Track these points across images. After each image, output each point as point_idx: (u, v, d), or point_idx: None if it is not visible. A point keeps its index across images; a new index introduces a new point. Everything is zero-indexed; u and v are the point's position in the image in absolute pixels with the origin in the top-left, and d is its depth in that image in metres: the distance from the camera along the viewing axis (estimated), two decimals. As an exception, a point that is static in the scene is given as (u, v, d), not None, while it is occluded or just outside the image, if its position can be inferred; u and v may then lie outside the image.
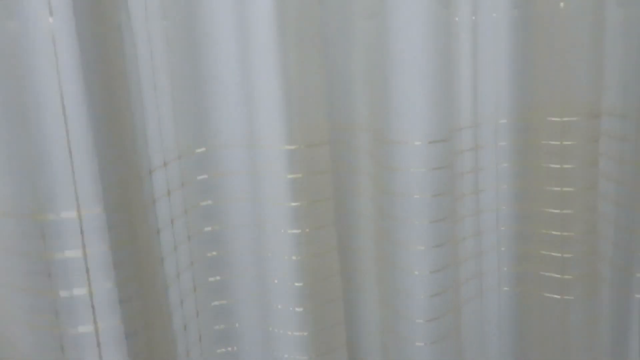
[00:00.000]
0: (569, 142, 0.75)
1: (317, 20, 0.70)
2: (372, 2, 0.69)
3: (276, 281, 0.72)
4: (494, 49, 0.77)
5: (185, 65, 0.67)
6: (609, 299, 0.78)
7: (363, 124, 0.74)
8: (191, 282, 0.71)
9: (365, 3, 0.71)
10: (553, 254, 0.77)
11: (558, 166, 0.76)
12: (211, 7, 0.68)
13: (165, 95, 0.65)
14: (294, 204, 0.70)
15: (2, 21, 0.48)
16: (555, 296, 0.78)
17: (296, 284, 0.72)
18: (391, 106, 0.70)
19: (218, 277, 0.73)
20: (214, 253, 0.72)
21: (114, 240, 0.53)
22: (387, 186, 0.72)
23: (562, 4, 0.72)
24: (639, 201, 0.78)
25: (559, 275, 0.77)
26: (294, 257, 0.71)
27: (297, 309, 0.73)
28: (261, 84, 0.68)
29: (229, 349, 0.76)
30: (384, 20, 0.69)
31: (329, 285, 0.74)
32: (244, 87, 0.69)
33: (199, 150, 0.70)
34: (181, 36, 0.67)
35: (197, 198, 0.71)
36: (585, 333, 0.78)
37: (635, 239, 0.78)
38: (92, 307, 0.53)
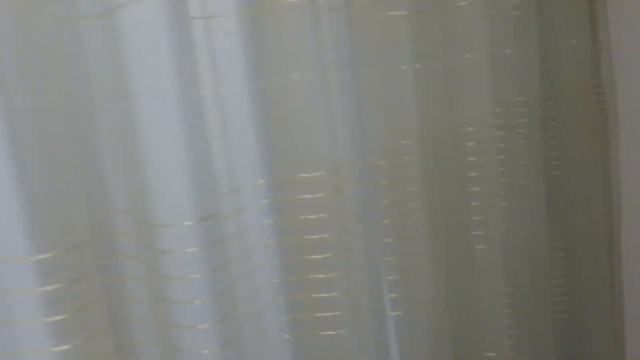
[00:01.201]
0: (320, 194, 0.84)
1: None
2: (115, 84, 0.67)
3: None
4: (240, 119, 0.81)
5: None
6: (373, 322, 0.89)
7: (128, 210, 0.71)
8: None
9: (108, 84, 0.69)
10: (322, 295, 0.85)
11: (314, 216, 0.84)
12: None
13: None
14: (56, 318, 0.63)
15: None
16: (330, 332, 0.86)
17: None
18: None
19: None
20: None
21: None
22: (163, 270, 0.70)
23: (296, 74, 0.80)
24: (371, 232, 0.92)
25: (330, 313, 0.86)
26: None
27: None
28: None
29: None
30: (129, 102, 0.68)
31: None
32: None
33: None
34: None
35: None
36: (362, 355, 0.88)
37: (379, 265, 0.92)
38: None
